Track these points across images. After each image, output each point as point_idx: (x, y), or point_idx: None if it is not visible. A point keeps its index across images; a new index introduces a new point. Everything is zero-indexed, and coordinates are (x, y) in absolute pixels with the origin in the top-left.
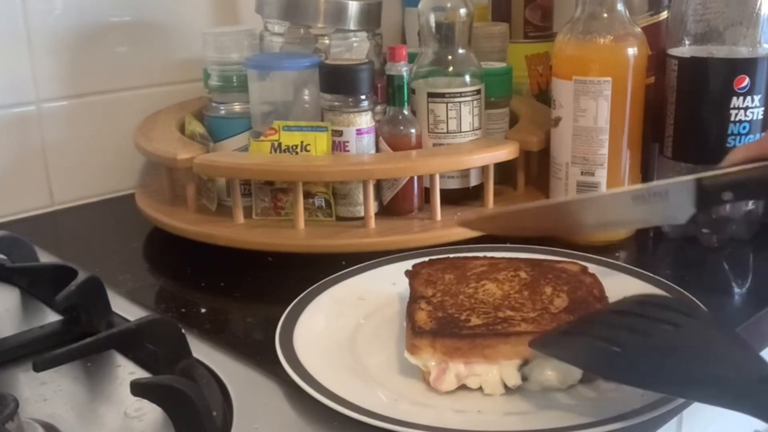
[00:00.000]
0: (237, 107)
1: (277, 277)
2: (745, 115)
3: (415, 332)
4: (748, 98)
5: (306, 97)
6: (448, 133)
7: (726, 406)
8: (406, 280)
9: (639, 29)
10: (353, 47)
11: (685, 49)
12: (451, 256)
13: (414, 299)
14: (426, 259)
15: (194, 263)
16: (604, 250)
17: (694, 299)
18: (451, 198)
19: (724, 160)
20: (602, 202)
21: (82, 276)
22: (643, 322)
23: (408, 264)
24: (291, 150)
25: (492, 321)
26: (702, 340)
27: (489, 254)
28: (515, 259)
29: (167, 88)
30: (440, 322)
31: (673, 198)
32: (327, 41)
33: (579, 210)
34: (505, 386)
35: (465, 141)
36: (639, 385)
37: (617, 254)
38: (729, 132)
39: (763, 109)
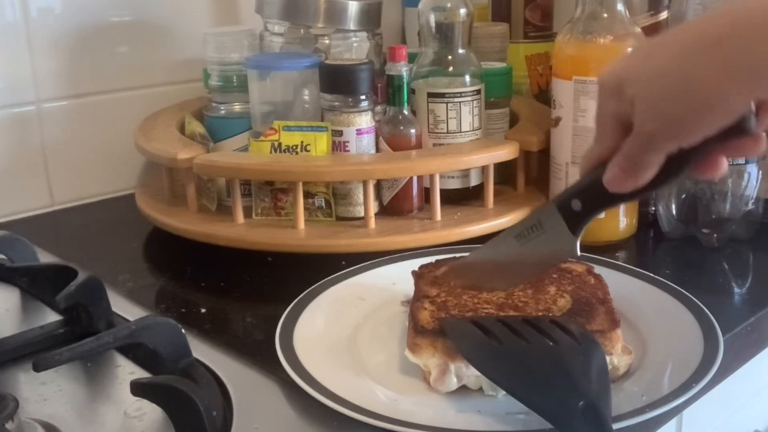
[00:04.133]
0: (237, 107)
1: (277, 277)
2: None
3: (416, 331)
4: None
5: (306, 97)
6: (448, 133)
7: (553, 423)
8: (406, 280)
9: (639, 29)
10: (353, 47)
11: None
12: (458, 256)
13: (418, 298)
14: (433, 260)
15: (194, 263)
16: (604, 250)
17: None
18: (451, 198)
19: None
20: (493, 252)
21: (82, 276)
22: (532, 332)
23: (408, 264)
24: (291, 150)
25: None
26: (566, 360)
27: None
28: None
29: (167, 88)
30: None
31: (546, 224)
32: (327, 41)
33: (480, 267)
34: None
35: (465, 141)
36: (497, 382)
37: (617, 254)
38: None
39: None
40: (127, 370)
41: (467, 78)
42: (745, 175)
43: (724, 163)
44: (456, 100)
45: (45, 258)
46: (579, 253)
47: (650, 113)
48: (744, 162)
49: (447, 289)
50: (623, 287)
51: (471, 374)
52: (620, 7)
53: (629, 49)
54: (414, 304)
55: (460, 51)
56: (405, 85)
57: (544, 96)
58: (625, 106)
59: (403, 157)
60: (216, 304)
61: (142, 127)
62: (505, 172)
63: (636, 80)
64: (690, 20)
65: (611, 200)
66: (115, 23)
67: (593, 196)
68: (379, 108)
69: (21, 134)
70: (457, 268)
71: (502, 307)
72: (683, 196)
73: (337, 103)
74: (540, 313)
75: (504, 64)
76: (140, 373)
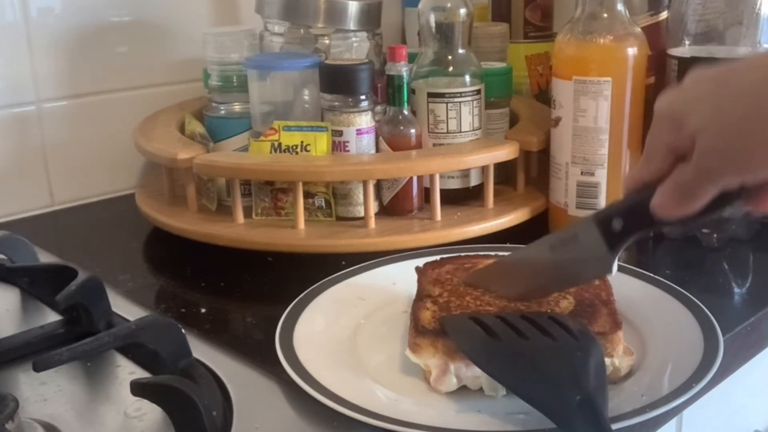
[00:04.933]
0: (237, 107)
1: (277, 277)
2: None
3: (417, 331)
4: None
5: (306, 97)
6: (448, 133)
7: (550, 417)
8: (407, 280)
9: (639, 29)
10: (353, 47)
11: (685, 49)
12: (463, 254)
13: (420, 297)
14: (437, 258)
15: (194, 263)
16: None
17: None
18: (451, 198)
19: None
20: (526, 259)
21: (82, 276)
22: (531, 328)
23: (408, 264)
24: (291, 150)
25: None
26: (563, 355)
27: (499, 254)
28: None
29: (167, 88)
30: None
31: (583, 239)
32: (327, 41)
33: (512, 272)
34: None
35: (465, 141)
36: (495, 377)
37: None
38: None
39: None
40: (127, 370)
41: (467, 78)
42: None
43: None
44: (456, 100)
45: (45, 258)
46: (615, 272)
47: (714, 148)
48: None
49: (450, 288)
50: (623, 287)
51: (471, 374)
52: (620, 7)
53: (688, 79)
54: (416, 303)
55: (460, 51)
56: (405, 85)
57: (544, 96)
58: (683, 139)
59: (403, 157)
60: (216, 304)
61: (142, 127)
62: (505, 172)
63: (699, 114)
64: (758, 54)
65: (654, 224)
66: (115, 23)
67: (637, 218)
68: (379, 108)
69: (21, 134)
70: (483, 271)
71: (504, 309)
72: None
73: (337, 103)
74: None
75: (504, 64)
76: (140, 373)
